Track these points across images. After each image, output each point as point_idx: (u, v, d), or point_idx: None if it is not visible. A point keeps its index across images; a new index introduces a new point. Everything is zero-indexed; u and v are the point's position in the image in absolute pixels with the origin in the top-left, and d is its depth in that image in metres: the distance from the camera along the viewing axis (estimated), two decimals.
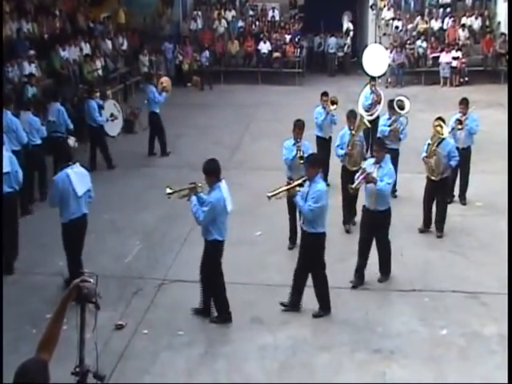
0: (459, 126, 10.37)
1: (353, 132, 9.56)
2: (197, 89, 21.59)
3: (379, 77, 15.08)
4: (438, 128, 9.29)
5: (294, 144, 9.03)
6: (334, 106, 11.47)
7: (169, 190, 7.05)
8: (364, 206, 7.98)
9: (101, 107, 12.85)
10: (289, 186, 7.01)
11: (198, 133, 14.82)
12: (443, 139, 9.30)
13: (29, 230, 9.38)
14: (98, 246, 9.19)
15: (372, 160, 7.93)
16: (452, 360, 6.52)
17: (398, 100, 10.74)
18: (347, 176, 9.32)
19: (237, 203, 10.18)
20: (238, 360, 6.49)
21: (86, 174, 7.84)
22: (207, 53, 22.41)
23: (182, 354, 6.63)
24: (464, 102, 10.57)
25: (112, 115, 13.37)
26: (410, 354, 6.60)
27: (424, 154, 9.46)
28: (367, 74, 14.21)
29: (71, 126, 11.90)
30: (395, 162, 10.80)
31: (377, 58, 14.98)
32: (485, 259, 8.68)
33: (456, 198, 10.83)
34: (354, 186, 7.80)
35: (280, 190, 7.03)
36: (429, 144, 9.43)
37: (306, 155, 8.60)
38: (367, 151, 11.23)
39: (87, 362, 3.85)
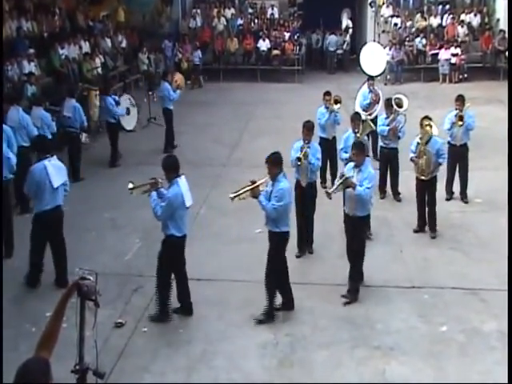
0: (460, 122, 10.31)
1: (357, 135, 9.34)
2: (195, 86, 21.60)
3: (377, 76, 14.94)
4: (427, 128, 9.18)
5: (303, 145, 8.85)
6: (338, 105, 11.25)
7: (130, 185, 7.10)
8: (344, 211, 7.82)
9: (117, 103, 13.18)
10: (252, 186, 6.84)
11: (197, 130, 14.83)
12: (430, 138, 9.22)
13: (29, 228, 9.39)
14: (98, 243, 9.22)
15: (352, 164, 7.70)
16: (452, 356, 6.52)
17: (396, 98, 10.60)
18: None
19: (236, 201, 10.25)
20: (237, 357, 6.50)
21: (62, 167, 8.03)
22: (199, 52, 22.36)
23: (182, 351, 6.63)
24: (460, 99, 10.52)
25: (127, 109, 13.76)
26: (410, 350, 6.61)
27: (412, 155, 9.37)
28: (365, 73, 14.11)
29: (86, 123, 12.36)
30: (396, 162, 10.70)
31: (375, 57, 14.87)
32: (484, 256, 8.69)
33: (456, 195, 10.82)
34: (330, 190, 7.45)
35: (243, 190, 6.87)
36: (418, 143, 9.33)
37: (310, 157, 8.54)
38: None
39: (87, 359, 3.87)
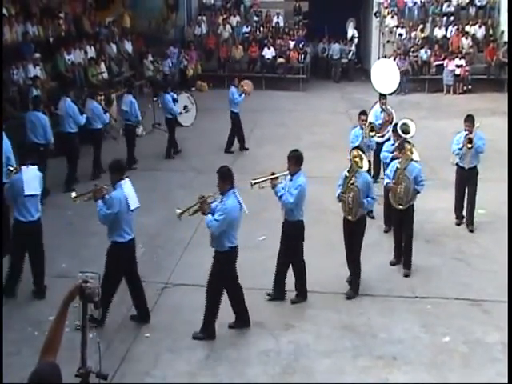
0: (469, 145, 9.64)
1: (346, 173, 8.00)
2: (202, 93, 21.62)
3: (390, 94, 13.72)
4: (409, 153, 8.48)
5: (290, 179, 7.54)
6: (373, 133, 10.48)
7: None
8: None
9: (175, 100, 14.08)
10: (94, 191, 7.05)
11: (202, 137, 14.85)
12: (409, 163, 8.44)
13: None
14: (101, 248, 9.14)
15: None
16: (454, 367, 6.51)
17: (403, 123, 9.76)
18: (345, 225, 8.06)
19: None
20: (240, 364, 6.49)
21: None
22: (169, 61, 22.11)
23: (184, 357, 6.62)
24: (469, 119, 9.78)
25: (185, 107, 14.59)
26: (413, 360, 6.60)
27: (388, 181, 8.57)
28: (377, 91, 13.17)
29: (140, 118, 13.59)
30: None
31: (387, 74, 14.02)
32: (488, 267, 8.68)
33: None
34: (179, 211, 7.00)
35: (86, 194, 7.15)
36: (397, 168, 8.49)
37: (278, 189, 7.42)
38: (373, 177, 10.25)
39: (89, 364, 3.85)
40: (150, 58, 21.25)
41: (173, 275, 8.44)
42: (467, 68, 21.86)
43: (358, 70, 26.17)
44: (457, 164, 10.05)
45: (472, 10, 24.89)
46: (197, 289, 7.84)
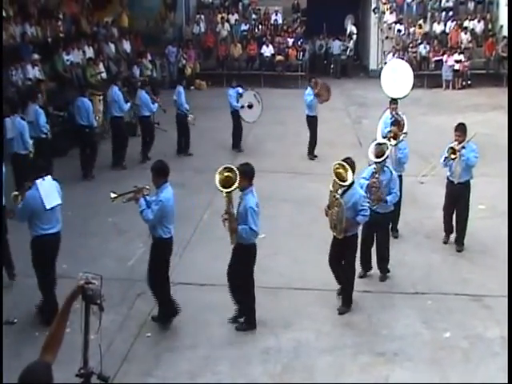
0: (452, 156, 8.73)
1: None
2: (201, 91, 21.63)
3: (402, 98, 12.15)
4: (341, 171, 7.11)
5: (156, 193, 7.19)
6: (394, 142, 9.22)
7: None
8: None
9: (240, 95, 14.67)
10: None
11: (201, 135, 14.84)
12: (350, 186, 7.21)
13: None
14: (102, 248, 9.22)
15: None
16: (455, 363, 6.51)
17: (377, 144, 8.42)
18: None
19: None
20: (241, 363, 6.49)
21: None
22: (139, 69, 20.13)
23: (185, 356, 6.62)
24: (460, 129, 8.86)
25: (250, 104, 14.85)
26: (414, 356, 6.60)
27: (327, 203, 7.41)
28: (387, 95, 12.23)
29: (186, 106, 14.30)
30: (384, 232, 8.33)
31: (399, 76, 13.01)
32: (487, 262, 8.68)
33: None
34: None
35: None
36: (330, 191, 7.27)
37: None
38: None
39: (91, 364, 3.87)
40: (149, 57, 21.19)
41: (173, 274, 8.38)
42: (466, 63, 21.87)
43: (356, 66, 26.18)
44: (447, 178, 9.19)
45: (471, 5, 24.93)
46: (197, 288, 7.88)
